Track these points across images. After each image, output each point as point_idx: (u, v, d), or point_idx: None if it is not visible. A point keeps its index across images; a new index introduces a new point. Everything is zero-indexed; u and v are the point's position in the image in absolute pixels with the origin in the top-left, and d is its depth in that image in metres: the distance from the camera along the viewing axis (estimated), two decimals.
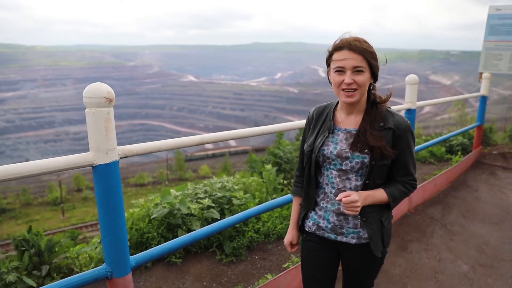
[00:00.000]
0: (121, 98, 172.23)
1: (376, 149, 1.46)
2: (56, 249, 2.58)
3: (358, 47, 1.43)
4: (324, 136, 1.58)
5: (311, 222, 1.69)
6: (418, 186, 4.37)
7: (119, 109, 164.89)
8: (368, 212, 1.55)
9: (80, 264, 2.73)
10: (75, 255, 2.70)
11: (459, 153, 6.18)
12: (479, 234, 3.80)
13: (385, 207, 1.58)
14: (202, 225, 2.88)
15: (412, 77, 3.93)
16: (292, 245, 1.82)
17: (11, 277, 2.24)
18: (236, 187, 3.22)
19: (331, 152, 1.54)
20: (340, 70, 1.46)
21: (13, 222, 40.88)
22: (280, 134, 7.96)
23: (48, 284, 1.64)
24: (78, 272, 2.65)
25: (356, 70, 1.44)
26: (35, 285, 2.28)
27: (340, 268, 1.76)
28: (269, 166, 3.78)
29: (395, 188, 1.56)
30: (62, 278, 2.57)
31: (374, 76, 1.52)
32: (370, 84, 1.53)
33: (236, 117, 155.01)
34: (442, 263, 3.26)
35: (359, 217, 1.56)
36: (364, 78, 1.45)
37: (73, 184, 52.84)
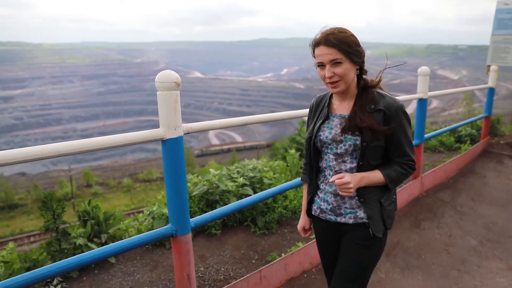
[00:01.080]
0: (128, 95, 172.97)
1: (365, 130, 1.51)
2: (110, 221, 2.93)
3: (332, 41, 1.48)
4: (320, 122, 1.66)
5: (316, 206, 1.75)
6: (429, 172, 4.69)
7: (126, 105, 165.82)
8: (366, 193, 1.59)
9: (129, 236, 3.07)
10: (126, 228, 3.06)
11: (468, 142, 6.46)
12: (486, 215, 4.10)
13: (385, 188, 1.61)
14: None
15: (424, 69, 4.22)
16: (305, 230, 1.90)
17: (80, 241, 2.60)
18: (265, 169, 3.55)
19: (326, 137, 1.61)
20: (321, 65, 1.54)
21: (25, 217, 41.64)
22: (302, 122, 8.37)
23: (124, 240, 1.98)
24: None
25: (334, 63, 1.50)
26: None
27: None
28: (292, 151, 4.10)
29: (392, 169, 1.58)
30: None
31: (358, 62, 1.54)
32: (358, 70, 1.58)
33: (242, 113, 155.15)
34: (453, 238, 3.57)
35: (356, 198, 1.61)
36: (342, 69, 1.50)
37: (83, 180, 53.57)
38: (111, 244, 1.90)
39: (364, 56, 1.56)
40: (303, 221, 1.88)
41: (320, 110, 1.70)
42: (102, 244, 2.81)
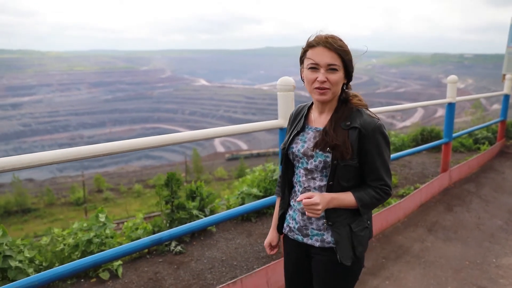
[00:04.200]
0: (134, 102, 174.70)
1: (337, 148, 1.42)
2: (210, 198, 3.63)
3: (333, 45, 1.40)
4: (294, 134, 1.57)
5: (286, 223, 1.65)
6: (455, 167, 5.35)
7: (132, 113, 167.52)
8: (334, 216, 1.48)
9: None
10: (218, 205, 3.77)
11: (486, 143, 7.12)
12: (509, 203, 4.74)
13: (356, 213, 1.50)
14: None
15: (452, 77, 4.91)
16: (271, 246, 1.76)
17: (195, 212, 3.29)
18: None
19: (298, 150, 1.52)
20: (314, 67, 1.43)
21: (38, 221, 42.34)
22: None
23: (229, 210, 2.64)
24: None
25: (330, 68, 1.41)
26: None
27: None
28: None
29: (365, 193, 1.47)
30: None
31: (348, 75, 1.48)
32: (344, 84, 1.50)
33: (248, 121, 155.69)
34: (482, 220, 4.22)
35: (324, 219, 1.50)
36: (337, 77, 1.42)
37: (94, 186, 54.37)
38: (220, 213, 2.48)
39: (353, 69, 1.49)
40: (270, 236, 1.75)
41: (298, 121, 1.61)
42: (206, 215, 3.50)
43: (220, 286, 2.44)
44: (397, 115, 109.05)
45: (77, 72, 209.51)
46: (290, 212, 1.61)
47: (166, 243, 3.23)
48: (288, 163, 1.59)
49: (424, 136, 7.27)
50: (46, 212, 44.85)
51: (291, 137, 1.58)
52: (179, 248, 3.22)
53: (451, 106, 4.95)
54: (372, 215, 1.62)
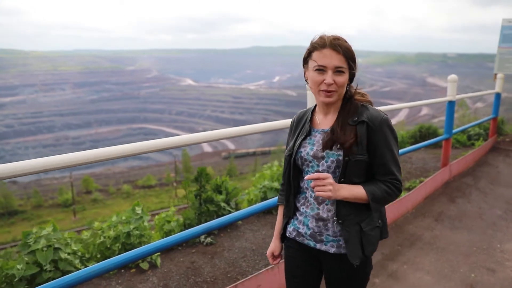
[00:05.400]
0: (120, 103, 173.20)
1: (346, 144, 1.41)
2: (234, 192, 3.85)
3: (341, 47, 1.40)
4: (301, 139, 1.54)
5: (292, 227, 1.62)
6: (454, 162, 5.65)
7: (118, 113, 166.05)
8: (345, 214, 1.46)
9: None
10: (241, 199, 4.00)
11: (481, 139, 7.49)
12: (505, 194, 5.07)
13: (366, 211, 1.48)
14: None
15: (452, 77, 5.21)
16: (274, 256, 1.75)
17: (223, 204, 3.51)
18: None
19: (307, 154, 1.50)
20: (321, 70, 1.41)
21: (26, 223, 41.75)
22: None
23: (257, 204, 2.77)
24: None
25: (337, 71, 1.41)
26: (233, 211, 3.53)
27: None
28: None
29: (376, 187, 1.45)
30: None
31: (352, 76, 1.49)
32: (348, 85, 1.50)
33: (235, 120, 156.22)
34: (483, 210, 4.52)
35: (335, 218, 1.48)
36: (344, 79, 1.42)
37: (82, 187, 53.85)
38: (250, 207, 2.59)
39: (357, 71, 1.50)
40: (273, 246, 1.75)
41: (302, 126, 1.59)
42: (232, 208, 3.71)
43: (258, 272, 2.64)
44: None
45: (61, 72, 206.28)
46: (300, 218, 1.58)
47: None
48: (295, 169, 1.56)
49: (422, 133, 7.60)
50: (34, 214, 44.28)
51: (297, 141, 1.55)
52: (209, 239, 3.43)
53: (451, 104, 5.25)
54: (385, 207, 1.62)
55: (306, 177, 1.40)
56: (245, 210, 2.58)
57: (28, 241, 2.73)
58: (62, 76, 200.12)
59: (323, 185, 1.35)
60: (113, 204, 47.43)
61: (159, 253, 3.12)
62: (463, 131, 8.05)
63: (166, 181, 54.27)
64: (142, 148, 1.92)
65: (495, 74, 7.48)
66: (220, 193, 3.69)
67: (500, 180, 5.62)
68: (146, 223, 3.13)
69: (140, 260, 2.82)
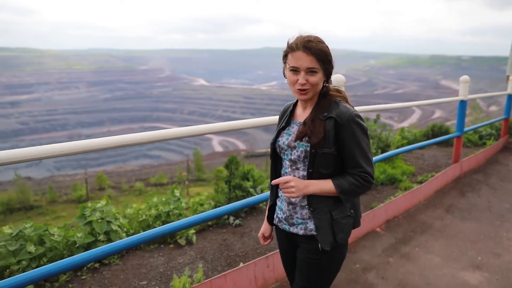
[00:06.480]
0: (133, 102, 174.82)
1: (312, 137, 1.52)
2: (258, 180, 4.19)
3: (312, 49, 1.48)
4: (280, 128, 1.69)
5: (275, 214, 1.76)
6: (465, 159, 5.91)
7: (131, 112, 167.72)
8: (316, 202, 1.56)
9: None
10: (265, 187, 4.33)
11: (492, 138, 7.72)
12: None
13: (339, 201, 1.57)
14: None
15: (465, 77, 5.47)
16: (264, 237, 1.87)
17: (251, 190, 3.87)
18: None
19: (283, 143, 1.63)
20: (295, 70, 1.52)
21: (41, 218, 42.60)
22: None
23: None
24: None
25: (310, 71, 1.50)
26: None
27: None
28: None
29: (344, 180, 1.54)
30: None
31: (328, 74, 1.57)
32: (324, 81, 1.58)
33: None
34: (491, 203, 4.78)
35: (307, 208, 1.59)
36: (316, 78, 1.51)
37: (95, 184, 54.72)
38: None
39: (333, 68, 1.58)
40: (263, 228, 1.87)
41: (285, 117, 1.72)
42: (258, 194, 4.05)
43: None
44: (394, 116, 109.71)
45: (75, 70, 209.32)
46: (278, 203, 1.72)
47: (225, 217, 3.78)
48: (276, 157, 1.70)
49: (435, 132, 7.87)
50: (49, 210, 45.15)
51: (278, 131, 1.70)
52: (237, 221, 3.77)
53: (463, 104, 5.51)
54: (397, 198, 1.79)
55: (272, 182, 1.63)
56: (266, 194, 2.89)
57: (85, 213, 3.10)
58: (76, 75, 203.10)
59: (286, 188, 1.50)
60: (126, 200, 48.01)
61: (194, 231, 3.48)
62: (474, 131, 8.30)
63: (178, 179, 54.75)
64: (129, 140, 2.16)
65: (508, 76, 7.70)
66: (248, 180, 4.03)
67: (510, 177, 5.85)
68: (183, 204, 3.48)
69: (179, 233, 3.16)
